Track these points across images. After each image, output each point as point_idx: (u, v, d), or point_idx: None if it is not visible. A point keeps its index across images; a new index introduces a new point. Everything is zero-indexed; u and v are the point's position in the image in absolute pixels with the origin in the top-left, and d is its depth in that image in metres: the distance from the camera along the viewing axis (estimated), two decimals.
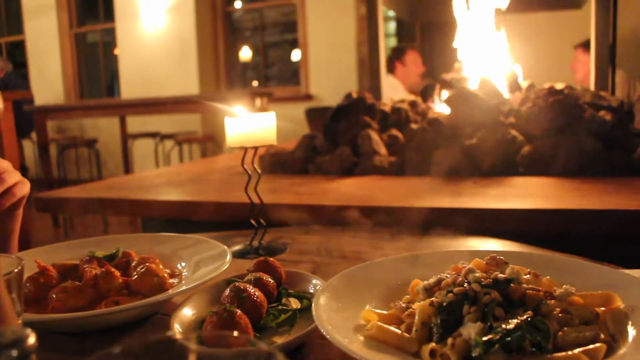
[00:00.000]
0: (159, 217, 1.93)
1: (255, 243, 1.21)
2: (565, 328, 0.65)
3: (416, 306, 0.69)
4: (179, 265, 0.95)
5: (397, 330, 0.67)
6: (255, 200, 1.15)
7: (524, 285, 0.70)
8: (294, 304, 0.83)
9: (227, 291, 0.76)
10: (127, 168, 6.04)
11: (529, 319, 0.61)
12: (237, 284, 0.78)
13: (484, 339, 0.59)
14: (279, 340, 0.73)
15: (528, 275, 0.74)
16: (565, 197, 1.63)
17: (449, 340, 0.62)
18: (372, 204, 1.64)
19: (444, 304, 0.66)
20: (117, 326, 0.80)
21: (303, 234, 1.52)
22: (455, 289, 0.67)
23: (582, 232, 1.43)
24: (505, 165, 1.96)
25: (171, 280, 0.87)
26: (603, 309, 0.72)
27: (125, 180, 2.91)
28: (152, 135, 6.40)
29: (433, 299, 0.69)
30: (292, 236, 1.48)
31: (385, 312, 0.73)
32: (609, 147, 1.88)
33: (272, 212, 1.55)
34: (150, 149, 6.58)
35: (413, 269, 0.86)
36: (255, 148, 1.12)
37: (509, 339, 0.58)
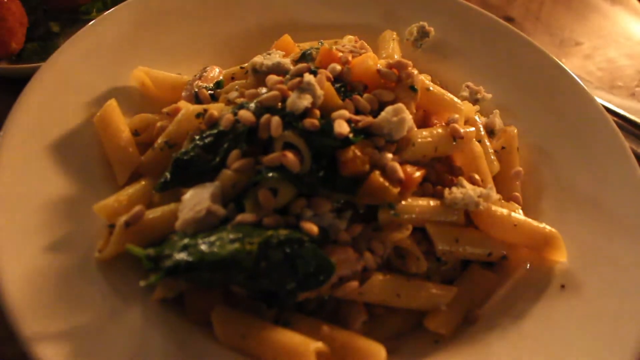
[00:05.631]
0: None
1: None
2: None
3: (182, 106, 0.40)
4: None
5: (124, 130, 0.40)
6: None
7: (388, 157, 0.43)
8: None
9: None
10: None
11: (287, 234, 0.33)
12: None
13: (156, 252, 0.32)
14: None
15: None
16: None
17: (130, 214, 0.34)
18: None
19: (205, 136, 0.36)
20: None
21: None
22: (241, 113, 0.36)
23: None
24: None
25: None
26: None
27: None
28: None
29: (229, 108, 0.39)
30: None
31: (178, 75, 0.45)
32: None
33: None
34: None
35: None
36: None
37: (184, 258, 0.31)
